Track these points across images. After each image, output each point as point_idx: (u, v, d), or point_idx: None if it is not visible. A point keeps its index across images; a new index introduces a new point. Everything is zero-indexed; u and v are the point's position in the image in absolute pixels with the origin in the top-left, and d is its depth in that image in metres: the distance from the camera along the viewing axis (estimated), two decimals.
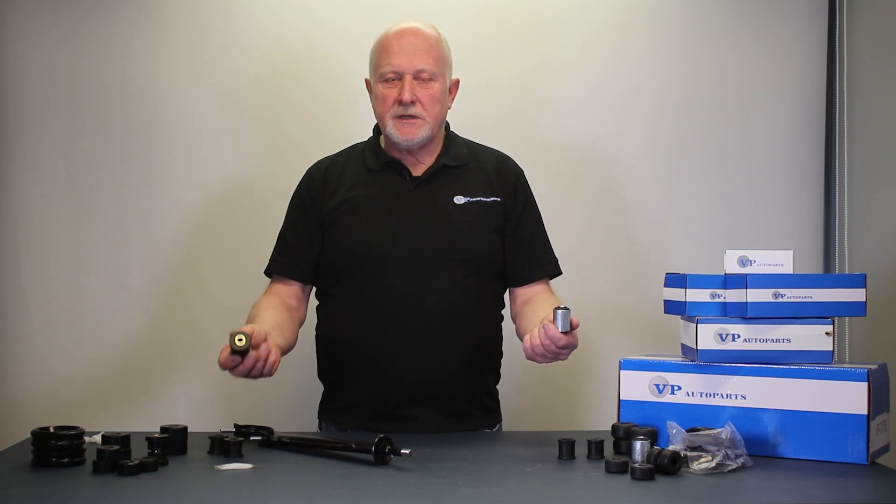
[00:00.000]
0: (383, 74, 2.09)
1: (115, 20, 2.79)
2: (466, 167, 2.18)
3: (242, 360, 1.84)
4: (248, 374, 1.86)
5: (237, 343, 1.82)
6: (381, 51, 2.11)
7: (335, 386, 2.19)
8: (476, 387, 2.16)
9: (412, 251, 2.09)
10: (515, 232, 2.17)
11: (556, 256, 2.24)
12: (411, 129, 2.09)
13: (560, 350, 1.86)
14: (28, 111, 2.78)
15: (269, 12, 2.82)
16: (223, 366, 1.85)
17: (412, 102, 2.07)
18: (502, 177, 2.18)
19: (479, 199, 2.14)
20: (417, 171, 2.16)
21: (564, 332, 1.84)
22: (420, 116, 2.08)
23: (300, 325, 2.18)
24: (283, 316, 2.10)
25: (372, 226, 2.11)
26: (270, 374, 1.89)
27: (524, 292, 2.19)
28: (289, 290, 2.18)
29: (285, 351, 2.04)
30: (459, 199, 2.13)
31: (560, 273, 2.24)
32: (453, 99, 2.20)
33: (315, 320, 2.23)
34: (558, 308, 1.84)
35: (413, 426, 2.04)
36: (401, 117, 2.08)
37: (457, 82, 2.19)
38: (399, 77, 2.08)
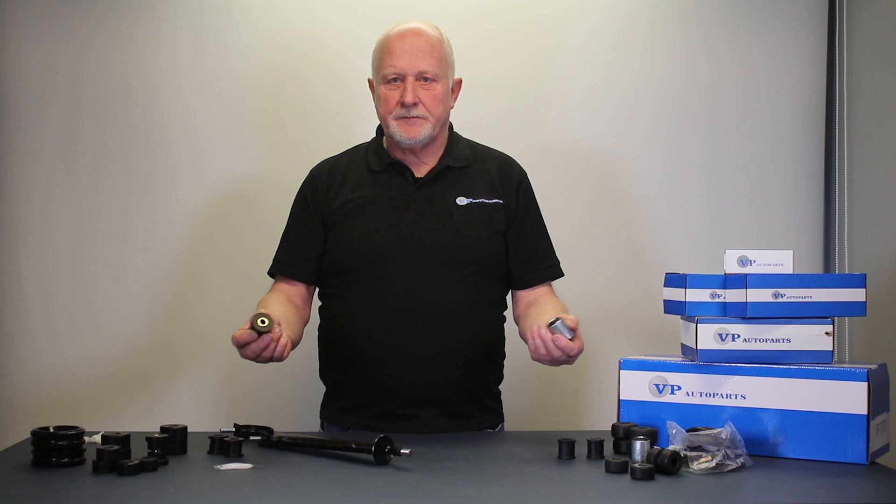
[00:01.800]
0: (385, 76, 2.10)
1: (115, 20, 2.79)
2: (469, 168, 2.18)
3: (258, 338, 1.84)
4: (258, 356, 1.86)
5: (259, 324, 1.84)
6: (384, 52, 2.11)
7: (337, 386, 2.19)
8: (477, 387, 2.16)
9: (414, 252, 2.09)
10: (519, 235, 2.17)
11: (558, 258, 2.24)
12: (413, 128, 2.09)
13: (571, 357, 1.88)
14: (28, 111, 2.78)
15: (269, 12, 2.82)
16: (238, 341, 1.84)
17: (414, 104, 2.07)
18: (505, 179, 2.18)
19: (481, 200, 2.14)
20: (420, 172, 2.16)
21: (571, 339, 1.86)
22: (422, 116, 2.09)
23: (305, 324, 2.18)
24: (289, 311, 2.10)
25: (374, 226, 2.12)
26: (281, 358, 1.90)
27: (527, 295, 2.19)
28: (293, 291, 2.18)
29: (293, 344, 2.04)
30: (462, 200, 2.13)
31: (562, 275, 2.24)
32: (456, 98, 2.20)
33: (317, 320, 2.23)
34: (552, 323, 1.86)
35: (415, 426, 2.04)
36: (403, 117, 2.09)
37: (459, 81, 2.20)
38: (401, 78, 2.08)
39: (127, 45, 2.79)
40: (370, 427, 2.05)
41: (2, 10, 2.78)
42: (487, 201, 2.14)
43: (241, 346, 1.86)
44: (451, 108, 2.19)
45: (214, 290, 2.80)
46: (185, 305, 2.80)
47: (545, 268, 2.21)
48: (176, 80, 2.80)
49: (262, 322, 1.84)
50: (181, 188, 2.80)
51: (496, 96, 2.82)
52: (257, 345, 1.84)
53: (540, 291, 2.19)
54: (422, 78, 2.08)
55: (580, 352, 1.88)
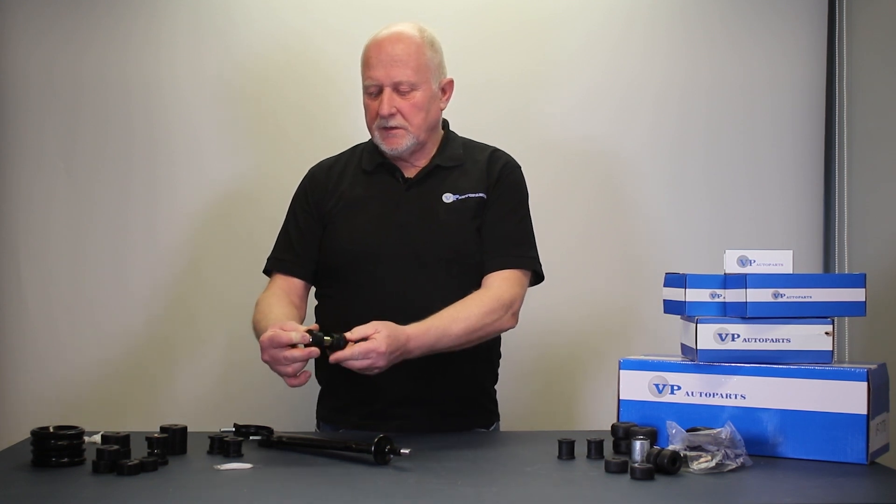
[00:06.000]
0: (366, 87, 2.12)
1: (115, 20, 2.79)
2: (461, 167, 2.17)
3: (302, 347, 1.81)
4: (284, 364, 1.83)
5: (325, 338, 1.82)
6: (364, 61, 2.12)
7: (330, 385, 2.19)
8: (469, 386, 2.15)
9: (402, 251, 2.09)
10: (484, 219, 2.13)
11: (538, 253, 2.14)
12: (394, 139, 2.10)
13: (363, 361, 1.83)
14: (28, 111, 2.78)
15: (268, 12, 2.82)
16: (275, 340, 1.81)
17: (392, 115, 2.08)
18: (490, 170, 2.16)
19: (467, 195, 2.13)
20: (410, 173, 2.16)
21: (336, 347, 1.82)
22: (402, 127, 2.09)
23: (301, 323, 2.17)
24: (292, 314, 2.08)
25: (364, 226, 2.12)
26: (292, 382, 1.88)
27: (483, 283, 2.11)
28: (292, 289, 2.18)
29: None
30: (448, 198, 2.13)
31: (533, 268, 2.13)
32: (447, 99, 2.19)
33: (314, 320, 2.23)
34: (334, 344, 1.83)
35: (406, 425, 2.03)
36: (384, 128, 2.09)
37: (450, 82, 2.18)
38: (380, 90, 2.09)
39: (127, 45, 2.79)
40: (363, 427, 2.05)
41: (2, 10, 2.78)
42: (473, 196, 2.13)
43: (276, 346, 1.81)
44: (443, 109, 2.18)
45: (214, 289, 2.80)
46: (185, 305, 2.81)
47: (496, 256, 2.11)
48: (175, 79, 2.80)
49: (330, 337, 1.82)
50: (181, 188, 2.80)
51: (496, 96, 2.82)
52: (301, 354, 1.81)
53: (487, 282, 2.09)
54: (398, 89, 2.08)
55: (360, 368, 1.84)
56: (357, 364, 1.82)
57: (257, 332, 2.03)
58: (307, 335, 1.82)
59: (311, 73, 2.82)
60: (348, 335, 1.84)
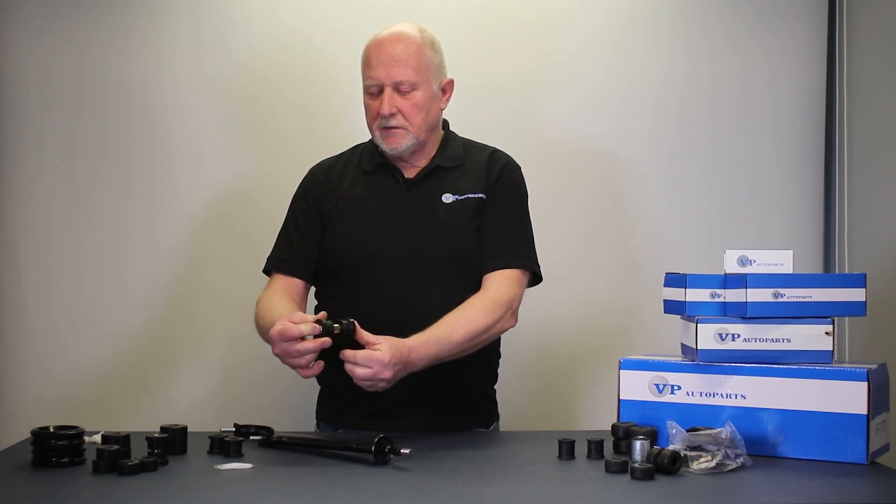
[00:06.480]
0: (367, 87, 2.12)
1: (115, 20, 2.79)
2: (461, 167, 2.17)
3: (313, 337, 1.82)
4: (294, 356, 1.84)
5: (334, 326, 1.82)
6: (364, 62, 2.12)
7: (330, 385, 2.19)
8: (468, 386, 2.15)
9: (402, 252, 2.09)
10: (484, 219, 2.13)
11: (537, 255, 2.15)
12: (395, 139, 2.10)
13: (370, 374, 1.83)
14: (28, 111, 2.78)
15: (268, 12, 2.82)
16: (285, 333, 1.82)
17: (392, 115, 2.08)
18: (490, 170, 2.16)
19: (467, 196, 2.13)
20: (410, 173, 2.16)
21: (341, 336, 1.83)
22: (402, 126, 2.09)
23: None
24: (294, 310, 2.07)
25: (364, 226, 2.12)
26: (304, 373, 1.88)
27: (482, 283, 2.12)
28: (292, 288, 2.18)
29: None
30: (447, 198, 2.13)
31: (531, 269, 2.13)
32: (448, 99, 2.19)
33: None
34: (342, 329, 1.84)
35: (406, 425, 2.03)
36: (384, 128, 2.10)
37: (450, 82, 2.19)
38: (380, 89, 2.09)
39: (127, 45, 2.79)
40: (363, 427, 2.05)
41: (2, 10, 2.78)
42: (473, 196, 2.13)
43: (287, 340, 1.82)
44: (443, 109, 2.19)
45: (214, 289, 2.80)
46: (185, 305, 2.81)
47: (496, 256, 2.11)
48: (176, 79, 2.80)
49: (339, 324, 1.82)
50: (181, 188, 2.81)
51: (496, 96, 2.82)
52: (313, 345, 1.82)
53: (486, 282, 2.09)
54: (399, 89, 2.08)
55: (364, 378, 1.83)
56: (360, 372, 1.82)
57: (261, 329, 2.04)
58: (317, 326, 1.83)
59: (311, 73, 2.82)
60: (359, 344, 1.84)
